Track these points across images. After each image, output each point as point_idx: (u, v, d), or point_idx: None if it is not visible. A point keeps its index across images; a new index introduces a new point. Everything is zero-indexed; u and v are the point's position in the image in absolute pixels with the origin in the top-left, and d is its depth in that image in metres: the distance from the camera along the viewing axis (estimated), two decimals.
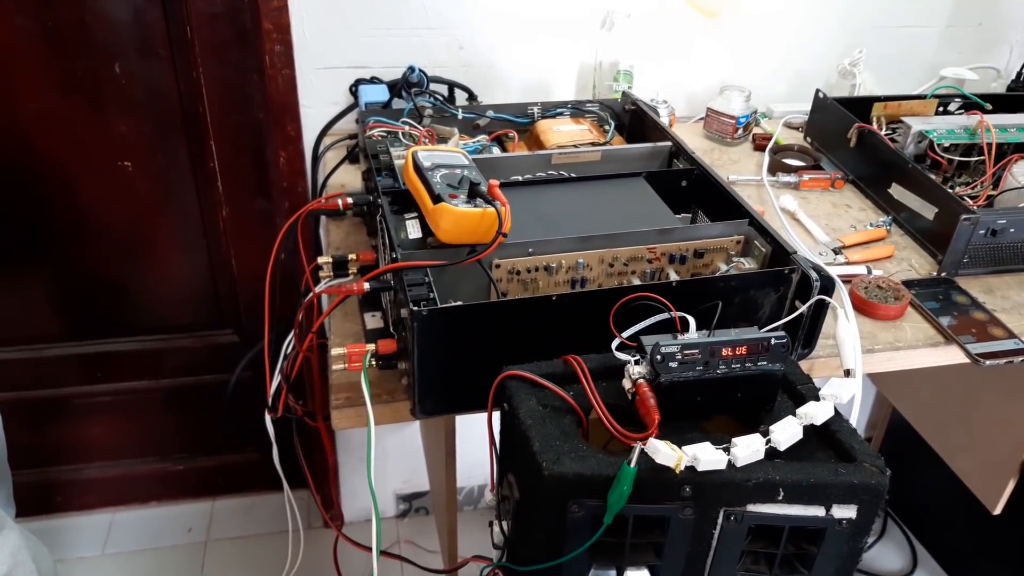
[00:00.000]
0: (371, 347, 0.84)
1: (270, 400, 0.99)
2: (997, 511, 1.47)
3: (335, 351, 0.83)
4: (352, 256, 0.99)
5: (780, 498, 0.67)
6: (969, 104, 1.46)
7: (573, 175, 1.10)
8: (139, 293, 1.70)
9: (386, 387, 0.89)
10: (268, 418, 1.02)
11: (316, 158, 1.43)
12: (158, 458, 1.97)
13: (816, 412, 0.71)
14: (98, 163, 1.52)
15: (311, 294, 0.95)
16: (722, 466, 0.66)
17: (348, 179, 1.33)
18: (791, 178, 1.37)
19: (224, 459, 2.00)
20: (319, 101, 1.43)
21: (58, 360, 1.75)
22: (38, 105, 1.44)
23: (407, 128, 1.17)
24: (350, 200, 1.06)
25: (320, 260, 0.98)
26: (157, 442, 1.94)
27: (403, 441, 1.96)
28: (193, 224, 1.64)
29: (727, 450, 0.66)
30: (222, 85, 1.48)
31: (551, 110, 1.28)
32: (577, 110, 1.30)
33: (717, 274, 0.92)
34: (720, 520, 0.68)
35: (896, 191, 1.27)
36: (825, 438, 0.72)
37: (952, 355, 1.04)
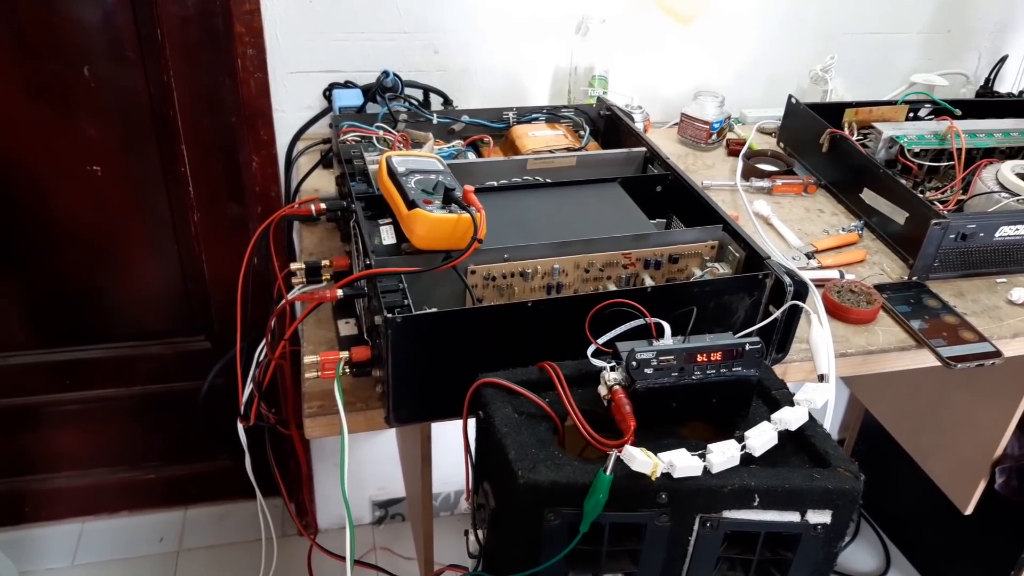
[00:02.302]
0: (345, 354, 0.83)
1: (242, 408, 0.98)
2: (968, 511, 1.49)
3: (308, 359, 0.82)
4: (325, 262, 0.99)
5: (755, 504, 0.67)
6: (939, 110, 1.48)
7: (548, 181, 1.10)
8: (109, 299, 1.68)
9: (360, 395, 0.88)
10: (240, 426, 1.00)
11: (289, 163, 1.42)
12: (129, 467, 1.94)
13: (791, 417, 0.71)
14: (67, 168, 1.49)
15: (284, 300, 0.94)
16: (698, 472, 0.66)
17: (322, 184, 1.31)
18: (764, 183, 1.38)
19: (196, 467, 1.97)
20: (292, 105, 1.42)
21: (26, 368, 1.72)
22: (5, 109, 1.41)
23: (381, 133, 1.16)
24: (323, 205, 1.05)
25: (293, 266, 0.97)
26: (128, 450, 1.91)
27: (379, 447, 1.94)
28: (164, 229, 1.61)
29: (703, 456, 0.66)
30: (194, 89, 1.46)
31: (526, 115, 1.28)
32: (552, 115, 1.29)
33: (692, 279, 0.92)
34: (696, 527, 0.68)
35: (868, 196, 1.28)
36: (800, 443, 0.72)
37: (923, 358, 1.05)
